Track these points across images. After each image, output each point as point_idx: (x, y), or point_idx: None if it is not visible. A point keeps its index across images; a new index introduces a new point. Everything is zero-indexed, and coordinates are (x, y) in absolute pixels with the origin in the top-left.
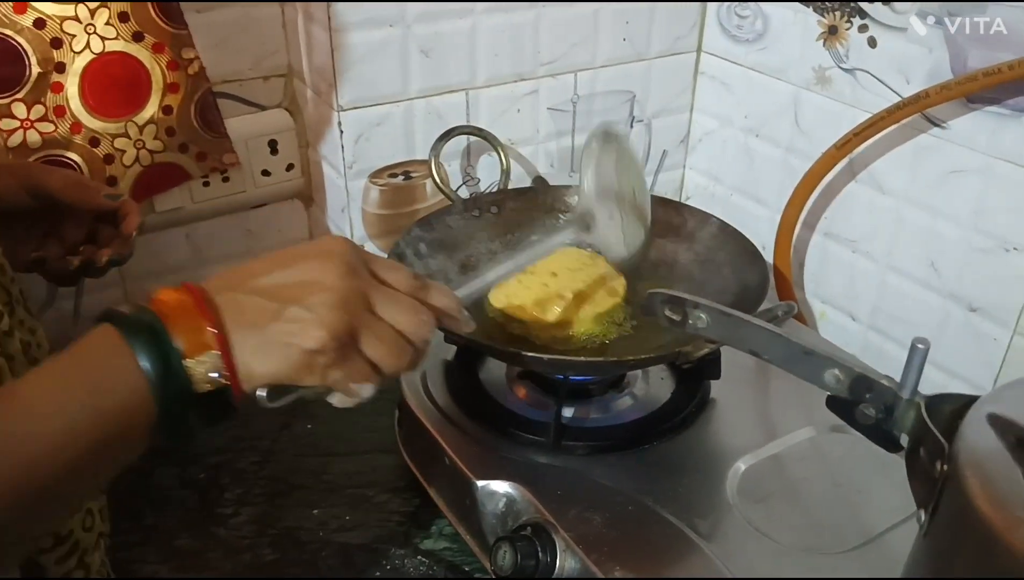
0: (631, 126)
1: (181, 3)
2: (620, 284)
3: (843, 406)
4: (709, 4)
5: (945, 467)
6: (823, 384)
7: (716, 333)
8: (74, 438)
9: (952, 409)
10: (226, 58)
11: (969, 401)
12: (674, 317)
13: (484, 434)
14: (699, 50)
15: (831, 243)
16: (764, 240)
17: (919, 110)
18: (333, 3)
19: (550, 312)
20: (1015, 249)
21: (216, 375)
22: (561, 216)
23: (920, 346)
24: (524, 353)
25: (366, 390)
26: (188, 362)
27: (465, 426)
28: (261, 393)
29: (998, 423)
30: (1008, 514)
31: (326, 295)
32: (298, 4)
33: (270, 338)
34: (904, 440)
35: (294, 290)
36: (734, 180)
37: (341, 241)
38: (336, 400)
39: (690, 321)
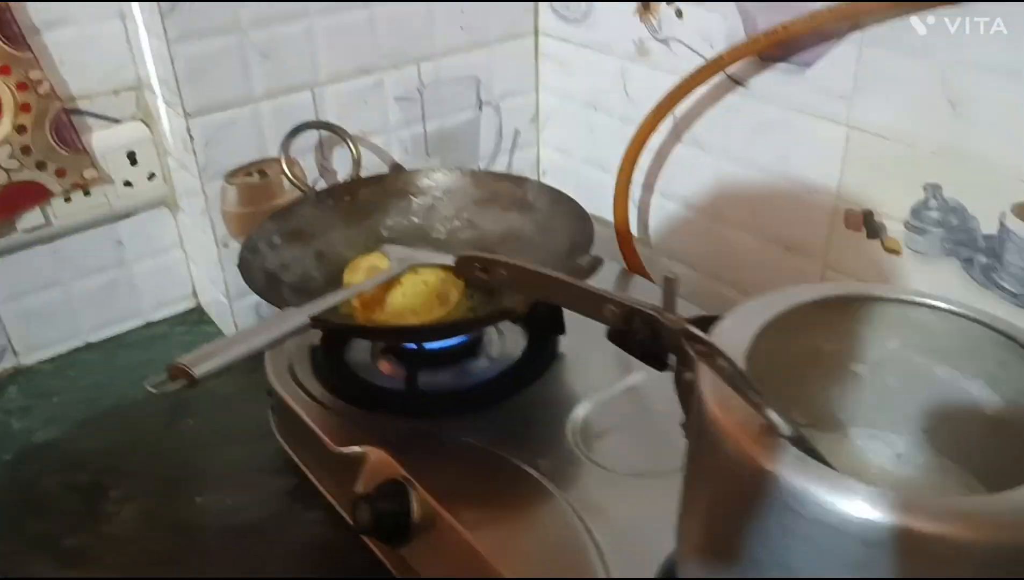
0: (480, 109)
1: (22, 27)
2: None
3: (620, 336)
4: None
5: (691, 376)
6: (603, 318)
7: (518, 286)
8: None
9: (706, 328)
10: (76, 76)
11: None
12: (483, 276)
13: (347, 408)
14: (537, 32)
15: (667, 202)
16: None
17: (717, 71)
18: (167, 14)
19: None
20: (815, 191)
21: None
22: (413, 198)
23: (670, 277)
24: (364, 325)
25: None
26: None
27: (330, 403)
28: None
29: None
30: (733, 416)
31: None
32: (136, 17)
33: None
34: (672, 360)
35: None
36: (582, 152)
37: None
38: None
39: (496, 277)
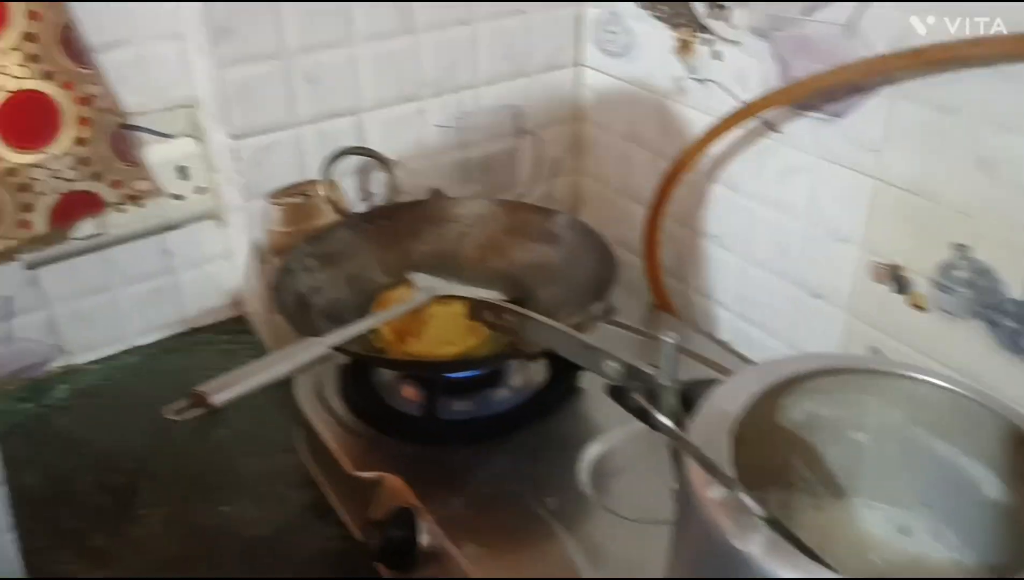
0: (520, 137)
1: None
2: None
3: (619, 393)
4: (585, 19)
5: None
6: (604, 374)
7: (524, 333)
8: None
9: (703, 392)
10: (134, 93)
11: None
12: (492, 320)
13: (369, 431)
14: (579, 64)
15: (700, 239)
16: None
17: (747, 117)
18: (218, 39)
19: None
20: (842, 240)
21: None
22: (446, 225)
23: (669, 340)
24: (381, 356)
25: None
26: None
27: (352, 424)
28: None
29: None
30: (712, 491)
31: None
32: (190, 39)
33: None
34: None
35: None
36: (619, 184)
37: None
38: None
39: (504, 323)
